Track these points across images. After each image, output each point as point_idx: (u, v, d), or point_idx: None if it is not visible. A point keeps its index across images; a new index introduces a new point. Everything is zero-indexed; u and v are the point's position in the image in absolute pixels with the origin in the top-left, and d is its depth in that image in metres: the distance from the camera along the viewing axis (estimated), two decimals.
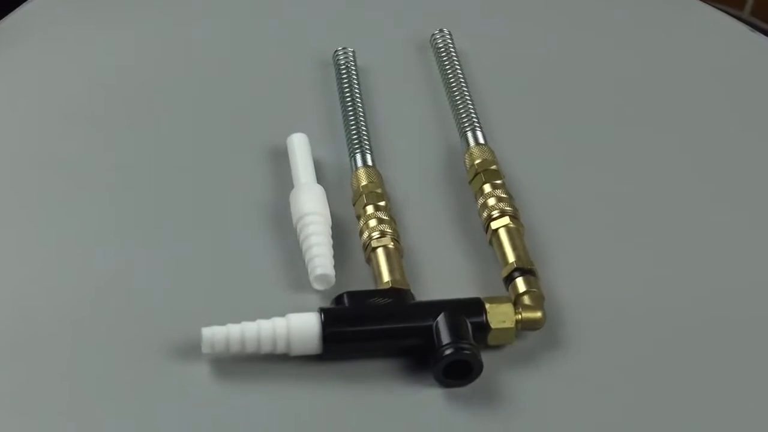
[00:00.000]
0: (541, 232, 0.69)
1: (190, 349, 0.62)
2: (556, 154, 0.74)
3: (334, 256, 0.66)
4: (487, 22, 0.85)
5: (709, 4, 0.89)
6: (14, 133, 0.74)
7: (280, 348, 0.61)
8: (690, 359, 0.63)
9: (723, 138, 0.77)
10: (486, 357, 0.62)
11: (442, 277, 0.67)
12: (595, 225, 0.70)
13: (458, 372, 0.61)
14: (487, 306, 0.62)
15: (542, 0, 0.88)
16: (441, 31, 0.80)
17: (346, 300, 0.62)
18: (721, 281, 0.67)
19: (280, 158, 0.72)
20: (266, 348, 0.61)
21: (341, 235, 0.68)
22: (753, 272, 0.68)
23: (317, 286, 0.65)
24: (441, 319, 0.61)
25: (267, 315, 0.62)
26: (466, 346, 0.60)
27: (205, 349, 0.61)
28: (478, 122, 0.73)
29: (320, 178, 0.71)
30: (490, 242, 0.67)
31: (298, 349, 0.61)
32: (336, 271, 0.65)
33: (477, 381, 0.61)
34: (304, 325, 0.61)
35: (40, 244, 0.68)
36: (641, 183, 0.73)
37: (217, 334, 0.61)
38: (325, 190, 0.70)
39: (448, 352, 0.60)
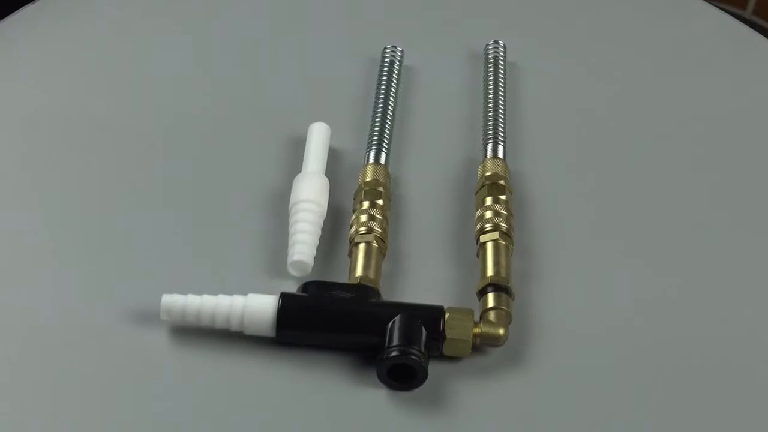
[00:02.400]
0: (540, 252, 0.68)
1: (155, 316, 0.63)
2: (579, 178, 0.73)
3: (323, 247, 0.67)
4: (551, 40, 0.84)
5: (714, 5, 0.87)
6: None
7: (234, 325, 0.62)
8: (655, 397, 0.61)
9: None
10: (440, 366, 0.62)
11: (423, 282, 0.66)
12: (595, 254, 0.69)
13: (403, 375, 0.60)
14: (447, 315, 0.62)
15: (610, 23, 0.87)
16: (495, 42, 0.80)
17: (310, 288, 0.63)
18: (697, 318, 0.66)
19: (303, 146, 0.73)
20: (221, 323, 0.62)
21: (338, 228, 0.69)
22: (730, 308, 0.66)
23: (293, 272, 0.66)
24: (396, 320, 0.61)
25: (238, 293, 0.62)
26: (413, 351, 0.60)
27: (162, 316, 0.62)
28: (503, 136, 0.73)
29: (338, 171, 0.72)
30: (478, 255, 0.66)
31: (251, 329, 0.62)
32: (321, 262, 0.66)
33: (424, 387, 0.61)
34: (259, 307, 0.62)
35: (20, 215, 0.70)
36: (659, 219, 0.71)
37: (175, 302, 0.62)
38: (341, 182, 0.70)
39: (393, 354, 0.60)
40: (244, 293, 0.63)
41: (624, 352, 0.63)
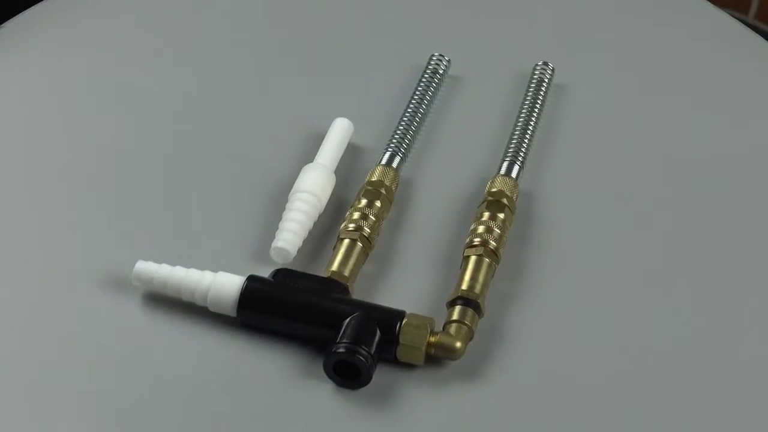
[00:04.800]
0: (530, 276, 0.68)
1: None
2: (594, 208, 0.72)
3: (317, 239, 0.68)
4: (603, 66, 0.83)
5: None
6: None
7: (199, 300, 0.63)
8: None
9: None
10: (394, 371, 0.62)
11: (403, 288, 0.66)
12: (585, 286, 0.67)
13: (349, 373, 0.61)
14: (405, 321, 0.62)
15: (666, 51, 0.85)
16: (544, 64, 0.79)
17: (279, 275, 0.64)
18: (667, 361, 0.64)
19: None
20: (187, 296, 0.63)
21: (338, 223, 0.69)
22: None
23: (276, 258, 0.66)
24: (352, 318, 0.61)
25: (216, 271, 0.64)
26: (359, 350, 0.60)
27: (134, 281, 0.64)
28: (522, 156, 0.72)
29: (357, 168, 0.73)
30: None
31: (215, 306, 0.63)
32: (310, 253, 0.67)
33: (371, 388, 0.61)
34: (224, 286, 0.63)
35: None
36: (661, 263, 0.69)
37: (146, 269, 0.64)
38: (356, 179, 0.71)
39: (339, 350, 0.60)
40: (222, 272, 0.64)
41: (586, 387, 0.62)
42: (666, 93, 0.81)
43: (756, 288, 0.68)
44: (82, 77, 0.80)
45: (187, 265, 0.64)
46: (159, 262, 0.64)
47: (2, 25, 0.83)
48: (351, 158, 0.74)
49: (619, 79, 0.82)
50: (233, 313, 0.63)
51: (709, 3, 0.89)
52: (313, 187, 0.69)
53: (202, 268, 0.64)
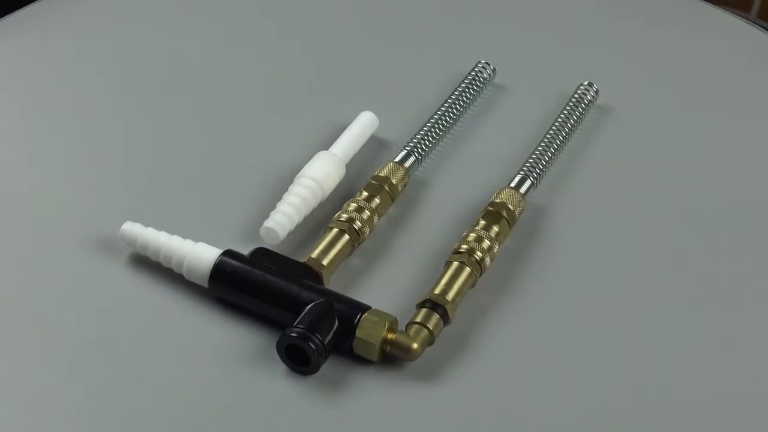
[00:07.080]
0: (515, 292, 0.67)
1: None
2: (600, 237, 0.70)
3: (314, 227, 0.69)
4: (652, 94, 0.82)
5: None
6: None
7: (176, 267, 0.65)
8: None
9: None
10: (350, 363, 0.62)
11: (382, 286, 0.66)
12: (564, 314, 0.66)
13: (300, 359, 0.61)
14: (364, 315, 0.62)
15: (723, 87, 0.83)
16: (589, 84, 0.78)
17: (256, 254, 0.65)
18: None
19: None
20: (165, 261, 0.65)
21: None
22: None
23: (265, 239, 0.67)
24: (313, 305, 0.62)
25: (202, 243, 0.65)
26: (311, 337, 0.60)
27: (120, 241, 0.66)
28: (538, 173, 0.71)
29: (377, 163, 0.73)
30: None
31: (190, 276, 0.64)
32: (303, 239, 0.68)
33: (322, 376, 0.61)
34: (200, 256, 0.64)
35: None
36: (655, 309, 0.67)
37: (132, 230, 0.66)
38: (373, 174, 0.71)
39: (292, 334, 0.61)
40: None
41: (541, 408, 0.61)
42: (713, 129, 0.79)
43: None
44: (108, 52, 0.82)
45: (182, 236, 0.65)
46: (158, 229, 0.66)
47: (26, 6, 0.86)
48: (374, 153, 0.74)
49: (667, 108, 0.80)
50: (205, 284, 0.64)
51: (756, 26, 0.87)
52: (317, 173, 0.69)
53: (194, 239, 0.65)
